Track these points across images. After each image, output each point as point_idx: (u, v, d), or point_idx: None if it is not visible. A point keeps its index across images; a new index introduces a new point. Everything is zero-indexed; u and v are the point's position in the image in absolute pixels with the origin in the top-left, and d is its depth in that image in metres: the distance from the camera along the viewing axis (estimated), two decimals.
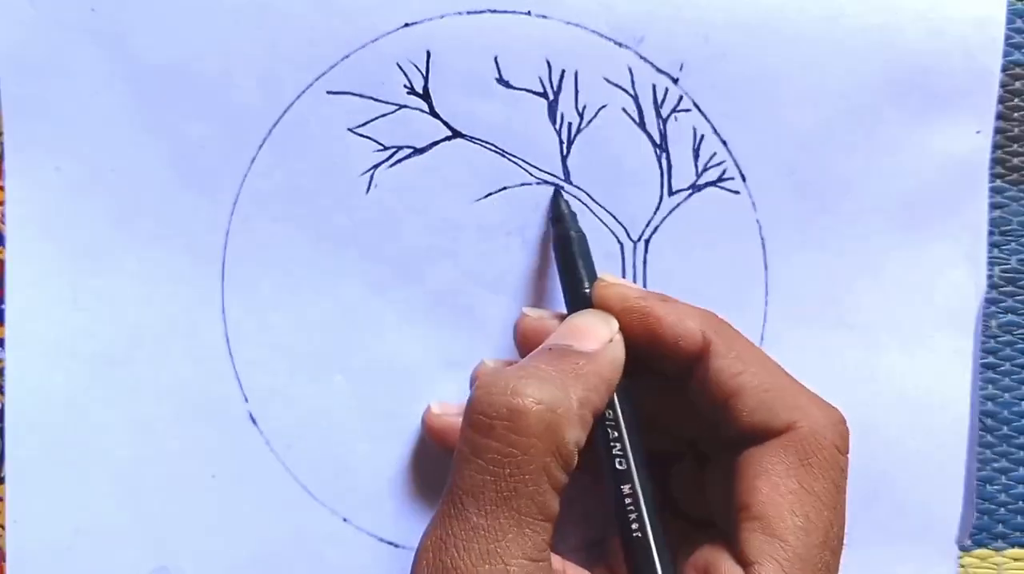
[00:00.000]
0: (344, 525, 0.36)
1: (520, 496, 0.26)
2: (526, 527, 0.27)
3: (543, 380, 0.28)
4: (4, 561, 0.36)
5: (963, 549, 0.37)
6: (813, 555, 0.28)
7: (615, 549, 0.31)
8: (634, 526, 0.29)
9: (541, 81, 0.36)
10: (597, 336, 0.30)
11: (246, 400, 0.36)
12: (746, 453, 0.29)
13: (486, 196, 0.36)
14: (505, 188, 0.36)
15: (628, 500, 0.29)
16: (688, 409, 0.31)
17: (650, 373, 0.31)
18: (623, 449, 0.30)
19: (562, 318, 0.32)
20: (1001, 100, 0.37)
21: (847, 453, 0.29)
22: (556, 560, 0.29)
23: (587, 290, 0.32)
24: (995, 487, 0.38)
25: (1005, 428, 0.38)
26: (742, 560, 0.28)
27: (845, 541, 0.36)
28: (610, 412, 0.30)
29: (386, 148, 0.36)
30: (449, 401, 0.36)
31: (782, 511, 0.28)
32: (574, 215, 0.35)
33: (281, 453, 0.36)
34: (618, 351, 0.30)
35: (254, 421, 0.36)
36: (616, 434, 0.30)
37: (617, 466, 0.30)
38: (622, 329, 0.31)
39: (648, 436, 0.31)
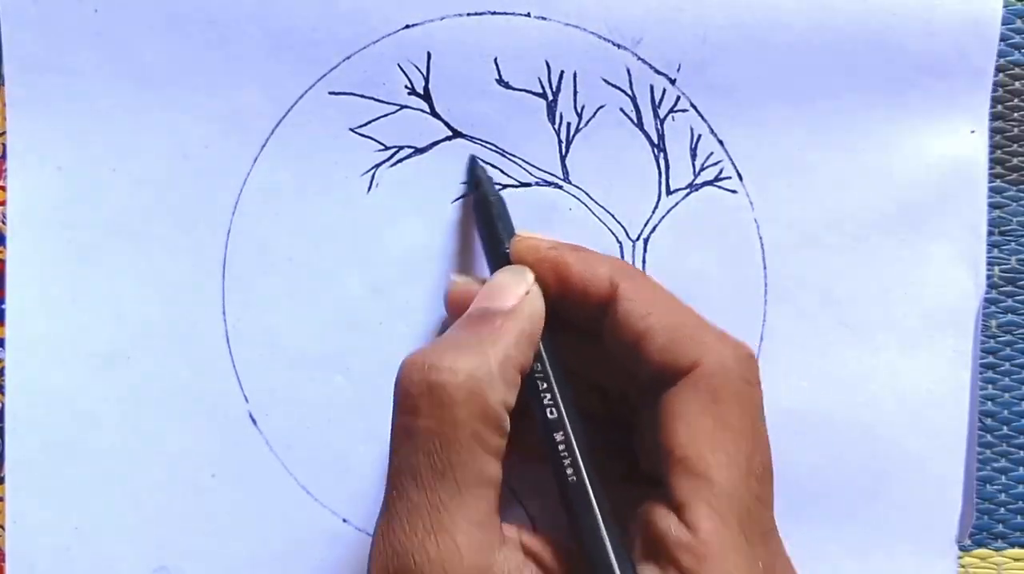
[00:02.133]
0: (344, 526, 0.36)
1: (455, 467, 0.27)
2: (467, 496, 0.27)
3: (459, 348, 0.28)
4: (4, 561, 0.36)
5: (963, 549, 0.37)
6: (739, 488, 0.28)
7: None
8: (569, 472, 0.29)
9: (540, 82, 0.36)
10: (513, 292, 0.30)
11: (246, 400, 0.36)
12: (664, 397, 0.29)
13: None
14: (505, 187, 0.36)
15: (561, 447, 0.29)
16: (612, 362, 0.31)
17: (573, 332, 0.31)
18: (553, 398, 0.30)
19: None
20: (1000, 100, 0.37)
21: (758, 385, 0.30)
22: (510, 528, 0.29)
23: (507, 250, 0.32)
24: (995, 487, 0.38)
25: (1005, 428, 0.38)
26: (674, 506, 0.28)
27: (848, 546, 0.36)
28: (537, 365, 0.30)
29: (387, 148, 0.36)
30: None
31: (702, 450, 0.28)
32: (490, 179, 0.35)
33: (281, 453, 0.36)
34: (536, 303, 0.30)
35: (254, 421, 0.36)
36: (545, 385, 0.30)
37: (548, 415, 0.30)
38: (538, 280, 0.31)
39: (586, 396, 0.31)
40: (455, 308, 0.33)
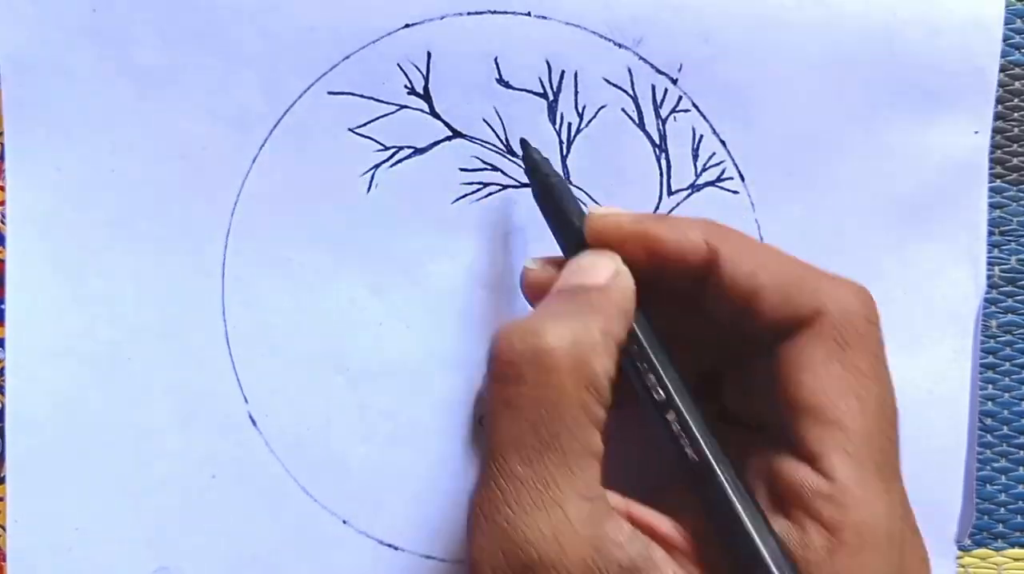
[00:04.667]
0: (344, 527, 0.36)
1: (562, 437, 0.26)
2: (574, 467, 0.26)
3: (562, 316, 0.27)
4: (4, 561, 0.36)
5: (963, 549, 0.37)
6: (874, 432, 0.27)
7: (674, 497, 0.30)
8: (688, 451, 0.28)
9: (541, 81, 0.36)
10: (603, 270, 0.29)
11: (246, 401, 0.36)
12: (782, 349, 0.28)
13: (486, 196, 0.36)
14: (505, 188, 0.36)
15: (676, 426, 0.28)
16: (713, 321, 0.30)
17: (667, 296, 0.31)
18: (658, 378, 0.29)
19: (564, 265, 0.31)
20: (1001, 100, 0.37)
21: (879, 324, 0.29)
22: (615, 497, 0.28)
23: (580, 228, 0.31)
24: (995, 487, 0.38)
25: (1005, 428, 0.38)
26: (805, 456, 0.27)
27: None
28: (635, 347, 0.29)
29: (387, 148, 0.36)
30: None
31: (832, 398, 0.27)
32: (547, 161, 0.34)
33: (281, 454, 0.36)
34: (627, 281, 0.29)
35: (254, 422, 0.36)
36: (646, 366, 0.29)
37: (656, 398, 0.29)
38: (626, 259, 0.30)
39: (684, 357, 0.30)
40: (535, 292, 0.32)
